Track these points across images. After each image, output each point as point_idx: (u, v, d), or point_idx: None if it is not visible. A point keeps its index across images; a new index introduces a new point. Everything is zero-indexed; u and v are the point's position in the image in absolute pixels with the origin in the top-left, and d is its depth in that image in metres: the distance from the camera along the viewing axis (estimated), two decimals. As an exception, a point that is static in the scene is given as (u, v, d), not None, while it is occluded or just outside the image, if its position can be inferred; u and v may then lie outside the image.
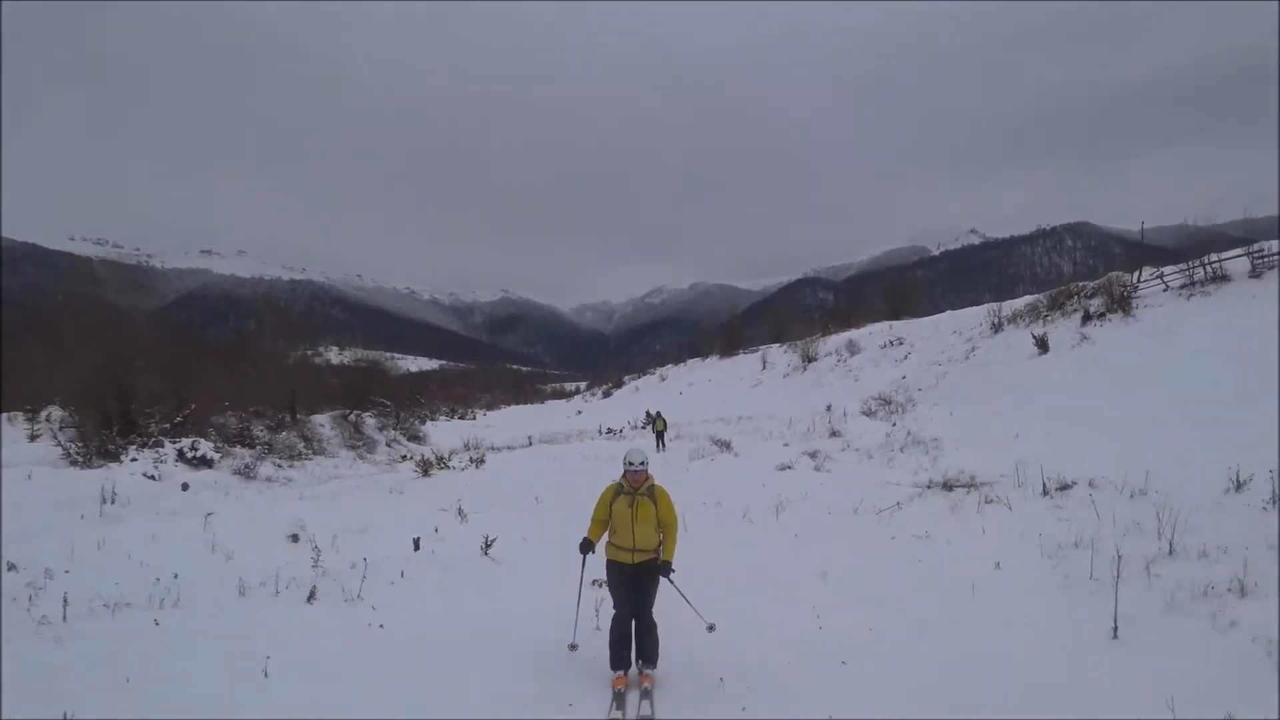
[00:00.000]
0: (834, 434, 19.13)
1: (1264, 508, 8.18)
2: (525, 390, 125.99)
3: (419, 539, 10.20)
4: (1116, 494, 10.10)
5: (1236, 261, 19.96)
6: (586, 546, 6.71)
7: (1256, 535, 7.49)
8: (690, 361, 65.37)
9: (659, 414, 28.48)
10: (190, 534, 9.42)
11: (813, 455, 16.91)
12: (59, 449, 14.15)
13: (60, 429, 18.31)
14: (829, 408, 24.21)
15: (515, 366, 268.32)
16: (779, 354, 43.87)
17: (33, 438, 18.07)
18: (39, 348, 25.10)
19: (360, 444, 24.34)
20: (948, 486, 12.46)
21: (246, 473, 15.16)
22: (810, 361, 37.93)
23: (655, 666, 6.34)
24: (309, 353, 32.92)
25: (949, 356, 25.19)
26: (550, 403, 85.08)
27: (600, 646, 6.43)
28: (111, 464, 13.47)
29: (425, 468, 17.47)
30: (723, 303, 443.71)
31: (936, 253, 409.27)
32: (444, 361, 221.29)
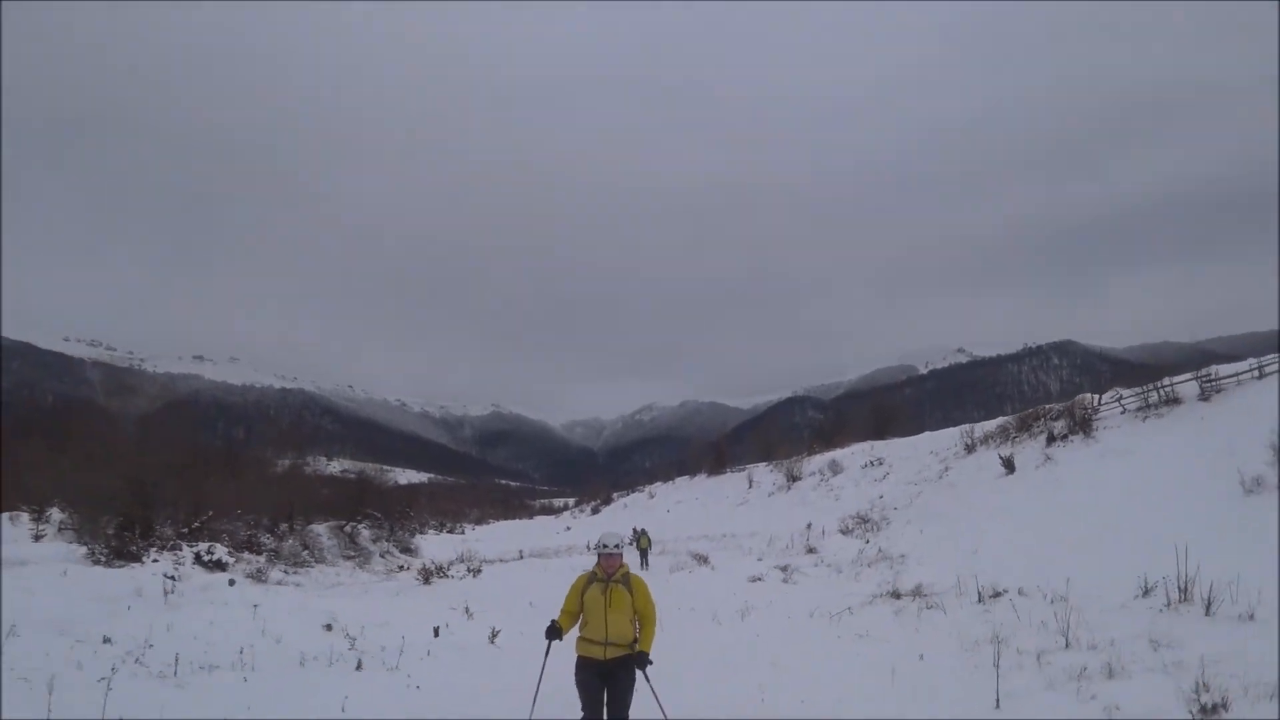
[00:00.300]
0: (810, 550, 20.12)
1: (1160, 610, 9.46)
2: (514, 506, 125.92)
3: (438, 628, 11.66)
4: (1041, 600, 11.47)
5: (1187, 385, 21.48)
6: (553, 632, 6.30)
7: (1143, 631, 8.79)
8: (679, 479, 65.96)
9: (644, 531, 28.63)
10: (242, 620, 10.64)
11: (784, 569, 17.92)
12: (82, 548, 15.03)
13: (59, 529, 19.20)
14: (809, 526, 25.21)
15: (504, 481, 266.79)
16: (765, 473, 44.85)
17: (37, 537, 18.92)
18: (39, 448, 26.12)
19: (356, 554, 25.03)
20: (896, 595, 13.61)
21: (258, 577, 15.97)
22: (795, 481, 38.97)
23: None
24: (300, 462, 33.77)
25: (924, 476, 26.42)
26: (539, 518, 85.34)
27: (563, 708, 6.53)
28: (134, 564, 14.37)
29: (426, 576, 18.35)
30: (712, 420, 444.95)
31: (925, 371, 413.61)
32: (433, 475, 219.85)
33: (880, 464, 32.88)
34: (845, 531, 22.22)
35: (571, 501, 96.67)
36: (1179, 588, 9.73)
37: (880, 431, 52.56)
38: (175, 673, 8.10)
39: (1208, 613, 9.11)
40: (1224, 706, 6.23)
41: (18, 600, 10.22)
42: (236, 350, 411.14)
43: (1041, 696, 7.30)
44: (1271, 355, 20.85)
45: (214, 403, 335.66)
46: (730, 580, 17.83)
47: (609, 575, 6.20)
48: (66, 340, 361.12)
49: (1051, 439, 22.46)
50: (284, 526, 22.91)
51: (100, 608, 10.77)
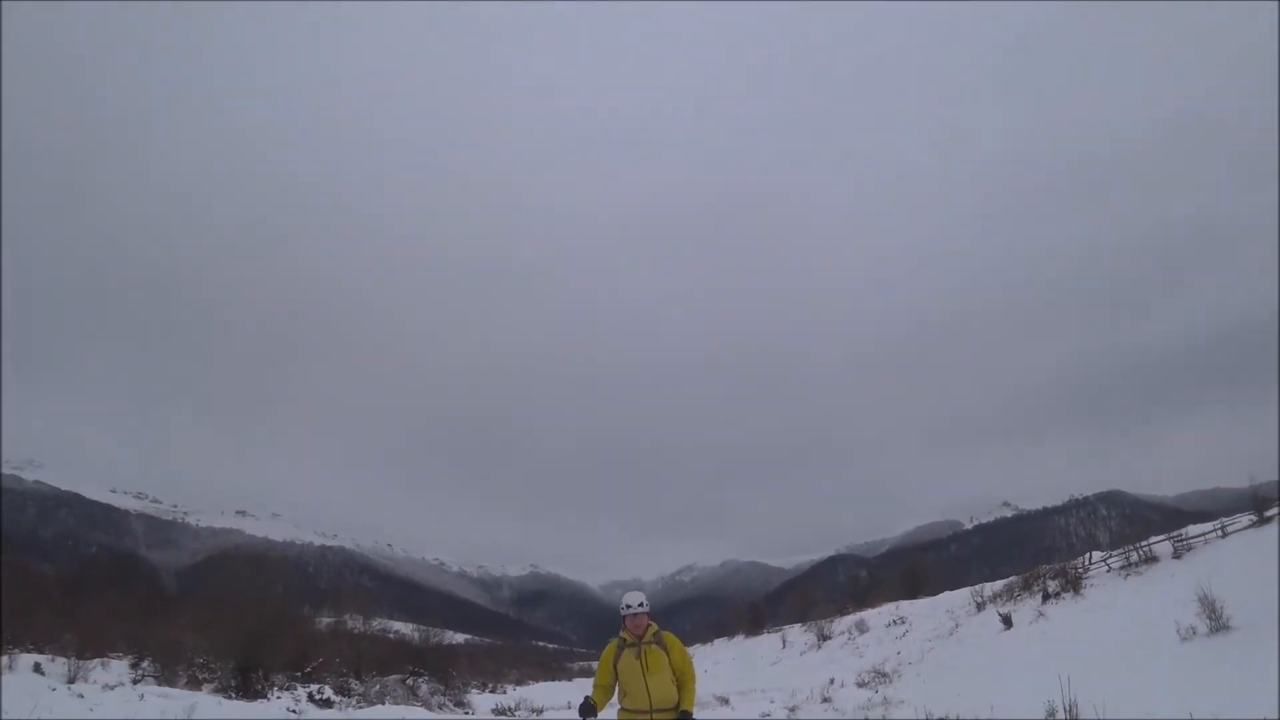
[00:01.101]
0: (825, 700, 22.37)
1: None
2: (552, 667, 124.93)
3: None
4: None
5: (1162, 546, 24.07)
6: (588, 709, 5.94)
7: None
8: (717, 641, 67.17)
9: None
10: None
11: (792, 709, 20.36)
12: (210, 686, 18.10)
13: (153, 675, 22.32)
14: (831, 680, 27.40)
15: (542, 643, 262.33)
16: (798, 633, 46.57)
17: (135, 680, 22.04)
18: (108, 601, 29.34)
19: (418, 704, 27.53)
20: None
21: (363, 703, 18.87)
22: (825, 640, 40.78)
23: None
24: (368, 622, 36.69)
25: (937, 633, 28.67)
26: (577, 680, 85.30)
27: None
28: (260, 699, 17.31)
29: (499, 713, 21.03)
30: (754, 580, 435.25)
31: (969, 526, 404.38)
32: (471, 635, 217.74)
33: (902, 623, 34.96)
34: (861, 684, 24.43)
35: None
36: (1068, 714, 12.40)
37: (912, 592, 54.22)
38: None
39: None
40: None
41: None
42: (279, 507, 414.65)
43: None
44: (1235, 516, 23.57)
45: (254, 558, 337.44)
46: (744, 715, 20.32)
47: (639, 637, 5.96)
48: (113, 492, 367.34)
49: (1046, 596, 24.99)
50: (366, 676, 25.73)
51: None
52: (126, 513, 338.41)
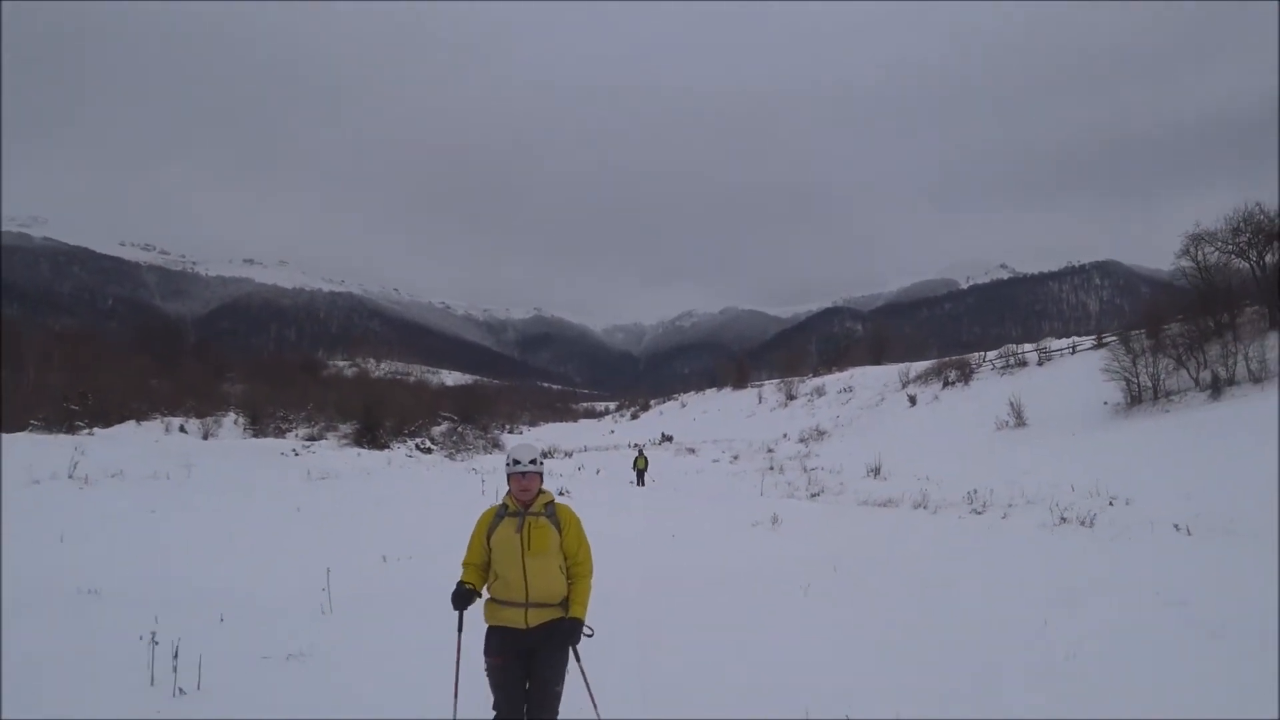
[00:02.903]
0: (769, 451, 31.08)
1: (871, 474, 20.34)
2: (559, 409, 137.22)
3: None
4: (916, 478, 21.87)
5: (1031, 355, 32.06)
6: (463, 597, 4.17)
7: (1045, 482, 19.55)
8: (708, 391, 76.19)
9: (641, 451, 27.80)
10: (459, 469, 21.73)
11: (735, 457, 29.24)
12: (344, 440, 26.54)
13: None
14: (785, 435, 36.29)
15: (546, 385, 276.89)
16: (771, 390, 55.78)
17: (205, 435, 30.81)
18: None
19: (467, 446, 36.62)
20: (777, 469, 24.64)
21: (452, 456, 27.32)
22: (791, 399, 49.80)
23: None
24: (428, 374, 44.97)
25: (869, 403, 37.40)
26: (583, 421, 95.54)
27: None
28: (385, 449, 25.71)
29: (546, 456, 30.10)
30: (752, 328, 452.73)
31: (965, 286, 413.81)
32: (478, 377, 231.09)
33: (849, 390, 43.69)
34: (801, 440, 33.26)
35: (613, 406, 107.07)
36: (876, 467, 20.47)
37: (876, 357, 63.45)
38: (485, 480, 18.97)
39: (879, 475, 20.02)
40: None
41: (347, 459, 21.51)
42: (286, 253, 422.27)
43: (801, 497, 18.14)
44: (1085, 337, 31.36)
45: (265, 305, 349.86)
46: (701, 461, 29.11)
47: (526, 505, 4.24)
48: (122, 245, 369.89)
49: (946, 383, 33.27)
50: (440, 428, 34.59)
51: (360, 466, 21.91)
52: (137, 265, 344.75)
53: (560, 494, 16.99)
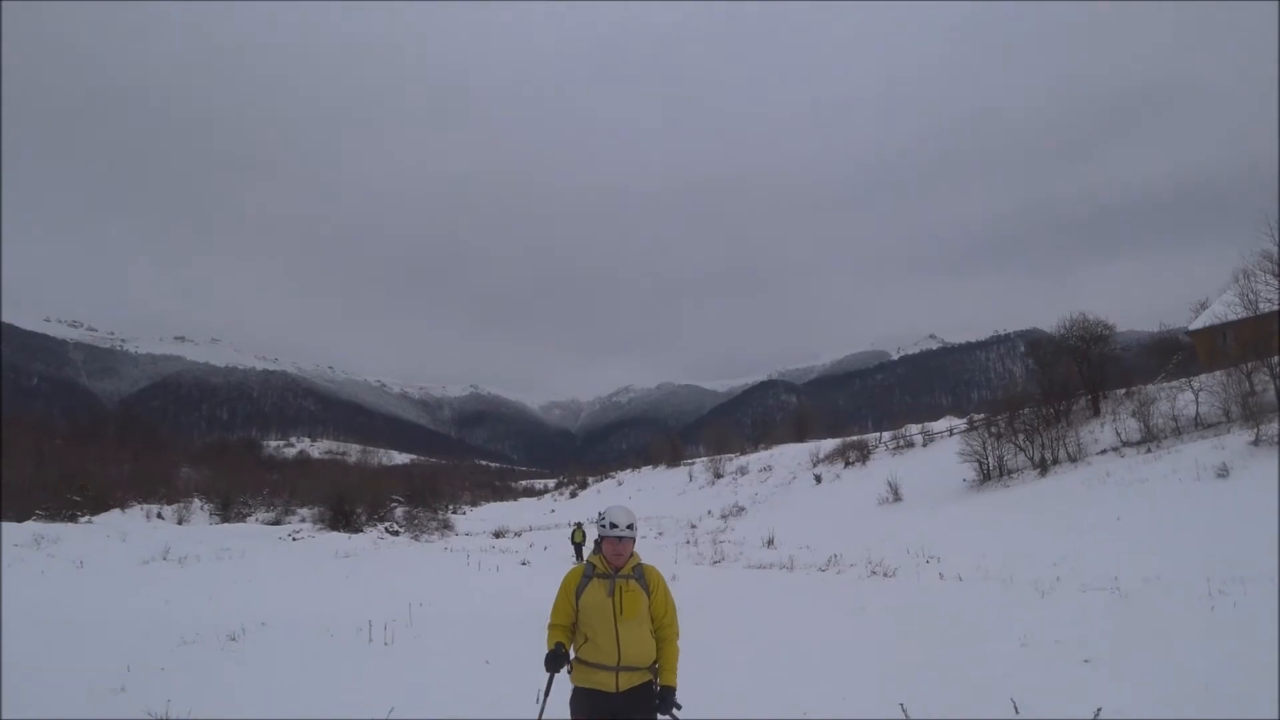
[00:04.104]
0: (692, 527, 35.18)
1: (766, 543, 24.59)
2: (499, 489, 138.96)
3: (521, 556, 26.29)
4: (800, 547, 26.20)
5: (918, 436, 37.07)
6: (557, 660, 4.29)
7: (896, 548, 23.77)
8: (644, 469, 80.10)
9: (579, 525, 28.89)
10: (435, 551, 25.26)
11: (660, 534, 33.31)
12: (319, 524, 29.80)
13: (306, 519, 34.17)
14: (709, 512, 40.48)
15: (484, 462, 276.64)
16: (701, 469, 60.12)
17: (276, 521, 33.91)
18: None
19: (423, 528, 39.87)
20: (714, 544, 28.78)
21: (416, 538, 30.71)
22: (719, 478, 54.20)
23: None
24: (370, 456, 48.14)
25: (782, 482, 41.98)
26: (523, 500, 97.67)
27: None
28: (356, 533, 28.99)
29: (497, 535, 33.27)
30: (689, 403, 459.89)
31: (896, 357, 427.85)
32: (415, 456, 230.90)
33: (769, 469, 48.26)
34: (721, 516, 37.46)
35: (552, 484, 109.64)
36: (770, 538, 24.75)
37: (801, 434, 68.48)
38: (469, 560, 22.68)
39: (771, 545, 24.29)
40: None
41: (340, 542, 25.01)
42: (217, 331, 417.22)
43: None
44: (961, 420, 36.52)
45: (197, 383, 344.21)
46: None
47: (617, 567, 4.33)
48: (48, 321, 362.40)
49: (848, 463, 38.03)
50: (397, 510, 37.91)
51: (358, 547, 25.52)
52: (64, 342, 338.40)
53: (523, 563, 20.85)
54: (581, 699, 4.25)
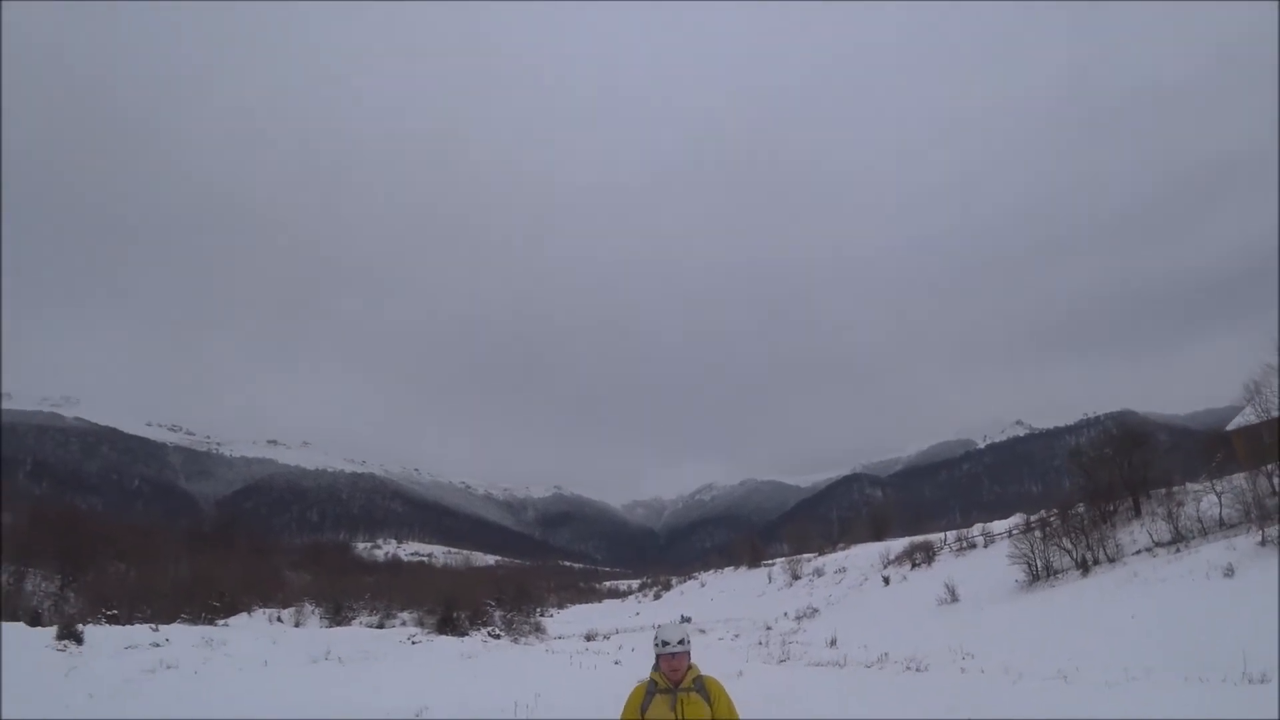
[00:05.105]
0: (767, 628, 37.65)
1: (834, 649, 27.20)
2: (583, 590, 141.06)
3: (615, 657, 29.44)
4: (859, 647, 28.76)
5: (979, 536, 39.20)
6: None
7: (941, 647, 26.41)
8: (725, 570, 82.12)
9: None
10: (537, 652, 28.63)
11: (736, 635, 35.84)
12: (424, 627, 33.55)
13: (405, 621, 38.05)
14: (785, 613, 42.80)
15: (568, 563, 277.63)
16: (780, 570, 62.20)
17: (381, 625, 37.75)
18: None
19: (520, 631, 43.15)
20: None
21: (515, 640, 34.09)
22: (796, 579, 56.31)
23: None
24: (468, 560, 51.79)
25: (854, 583, 44.18)
26: (607, 602, 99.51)
27: None
28: (462, 636, 32.55)
29: (589, 638, 36.49)
30: (771, 499, 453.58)
31: (982, 445, 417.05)
32: (500, 557, 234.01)
33: (843, 570, 50.37)
34: (796, 617, 39.86)
35: (635, 585, 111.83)
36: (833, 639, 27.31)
37: (879, 533, 70.06)
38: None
39: (833, 645, 26.83)
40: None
41: (456, 644, 28.59)
42: (308, 434, 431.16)
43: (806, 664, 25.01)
44: (1018, 520, 38.57)
45: (288, 486, 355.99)
46: (710, 639, 35.49)
47: (676, 682, 4.87)
48: (149, 425, 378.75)
49: (914, 565, 40.23)
50: (496, 614, 41.48)
51: (472, 649, 28.99)
52: (163, 445, 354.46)
53: (615, 663, 24.06)
54: None
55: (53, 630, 20.23)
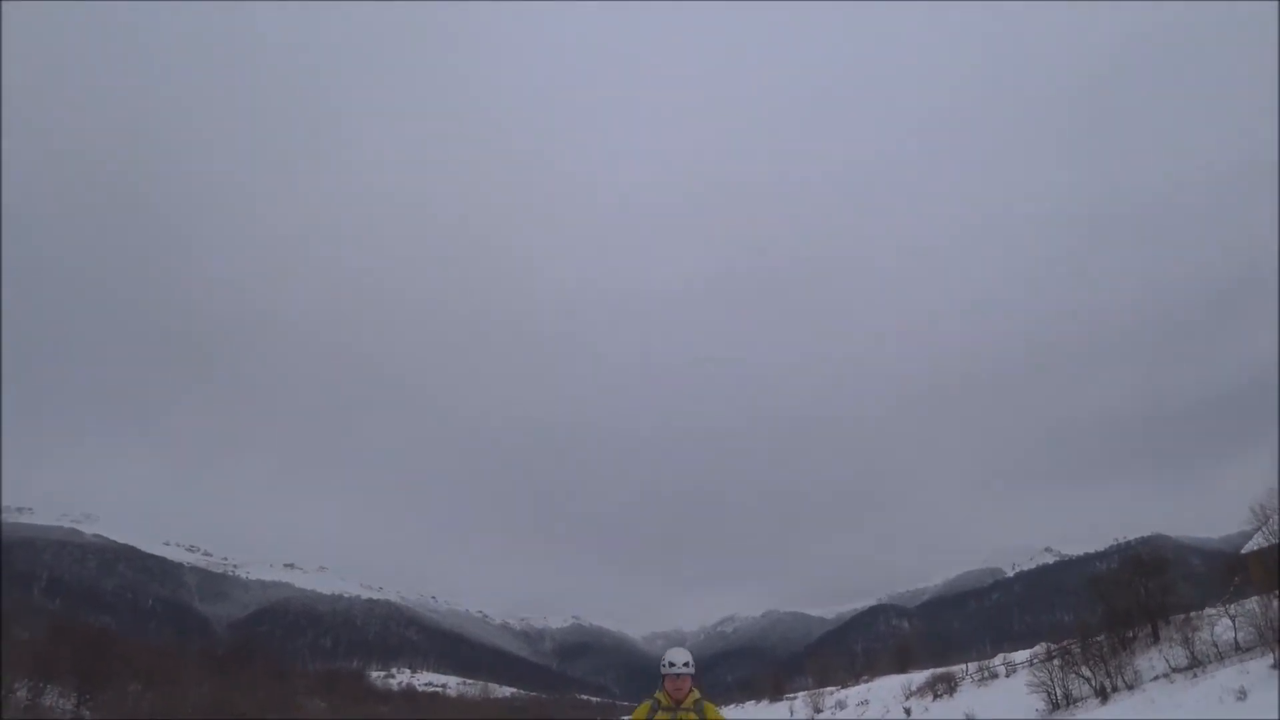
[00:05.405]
0: (793, 762, 37.05)
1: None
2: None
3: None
4: None
5: (1000, 666, 38.78)
6: None
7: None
8: (748, 704, 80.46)
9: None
10: None
11: None
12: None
13: None
14: (812, 747, 42.01)
15: (585, 696, 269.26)
16: (802, 704, 60.84)
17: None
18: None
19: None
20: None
21: None
22: (818, 712, 55.09)
23: None
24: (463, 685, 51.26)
25: (877, 714, 43.39)
26: None
27: None
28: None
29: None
30: (795, 630, 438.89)
31: (1011, 574, 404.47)
32: (516, 689, 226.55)
33: (865, 703, 49.43)
34: (822, 752, 39.20)
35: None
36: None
37: (904, 665, 68.54)
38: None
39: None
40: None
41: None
42: (325, 559, 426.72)
43: None
44: (1039, 650, 38.26)
45: (304, 611, 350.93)
46: None
47: (678, 701, 5.40)
48: (167, 544, 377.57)
49: (936, 695, 39.70)
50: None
51: None
52: (180, 565, 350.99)
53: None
54: None
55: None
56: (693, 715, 5.38)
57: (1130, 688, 26.88)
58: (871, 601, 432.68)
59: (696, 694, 5.52)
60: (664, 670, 5.50)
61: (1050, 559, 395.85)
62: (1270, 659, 21.86)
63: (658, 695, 5.54)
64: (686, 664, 5.49)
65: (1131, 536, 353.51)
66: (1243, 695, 20.29)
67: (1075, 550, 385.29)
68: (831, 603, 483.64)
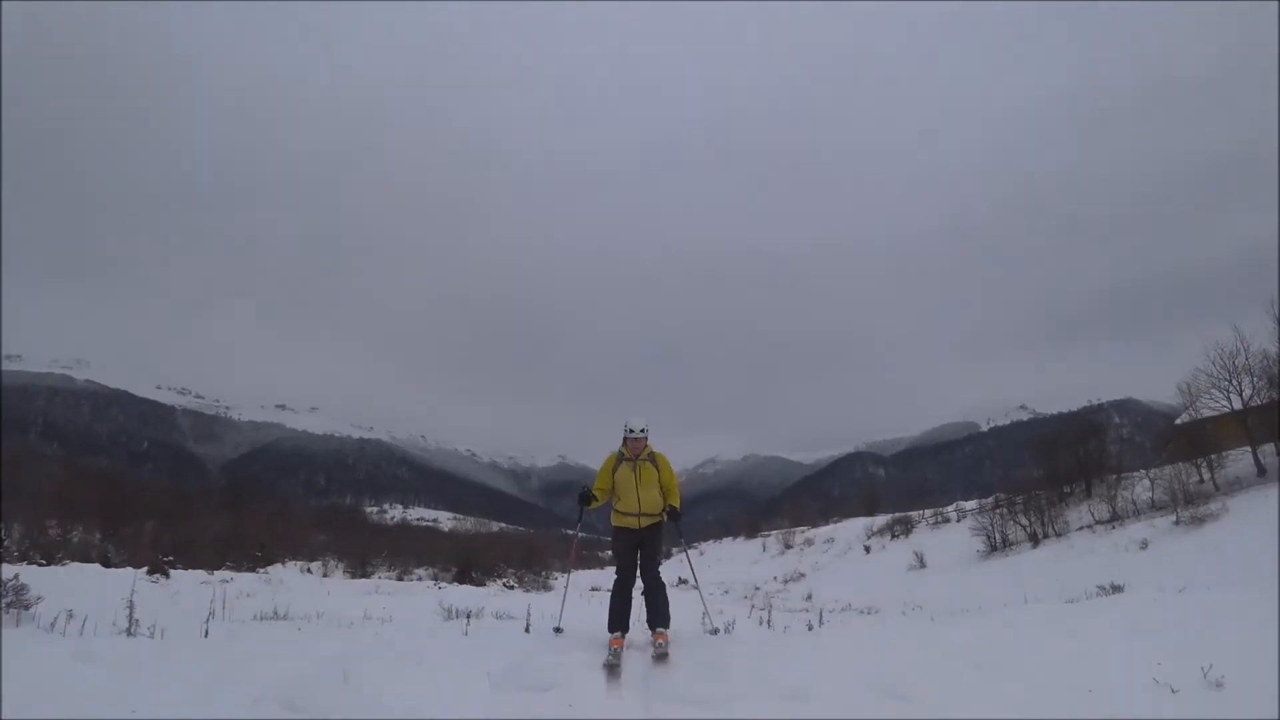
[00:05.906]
0: (755, 589, 41.27)
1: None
2: (586, 558, 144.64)
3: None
4: (830, 600, 32.41)
5: (952, 512, 42.72)
6: (586, 497, 7.38)
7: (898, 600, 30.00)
8: (724, 540, 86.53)
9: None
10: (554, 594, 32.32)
11: (726, 592, 39.52)
12: (440, 580, 37.34)
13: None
14: (774, 577, 46.47)
15: (570, 532, 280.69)
16: (774, 541, 65.96)
17: (399, 577, 41.56)
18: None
19: (529, 585, 47.05)
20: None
21: (527, 591, 37.96)
22: (788, 548, 60.01)
23: (669, 626, 7.00)
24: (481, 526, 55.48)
25: (839, 552, 47.81)
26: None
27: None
28: (480, 586, 36.35)
29: (594, 590, 40.41)
30: (775, 475, 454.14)
31: (986, 429, 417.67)
32: (505, 524, 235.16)
33: (831, 541, 54.04)
34: (784, 581, 43.48)
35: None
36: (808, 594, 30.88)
37: (871, 509, 73.65)
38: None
39: (808, 599, 30.46)
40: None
41: (474, 592, 32.22)
42: (316, 400, 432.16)
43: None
44: (991, 497, 42.07)
45: (295, 451, 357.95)
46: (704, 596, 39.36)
47: (635, 455, 7.11)
48: (159, 388, 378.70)
49: (893, 536, 43.84)
50: (509, 570, 45.28)
51: (495, 593, 32.49)
52: (172, 408, 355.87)
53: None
54: (617, 533, 7.30)
55: (143, 570, 23.77)
56: (649, 465, 7.18)
57: (1059, 535, 30.53)
58: (850, 449, 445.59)
59: (650, 449, 7.32)
60: (626, 434, 7.20)
61: (1025, 416, 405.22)
62: (1174, 517, 25.19)
63: (621, 450, 7.29)
64: (644, 430, 7.19)
65: (1105, 399, 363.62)
66: (1144, 545, 23.62)
67: (1049, 409, 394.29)
68: (811, 449, 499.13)
